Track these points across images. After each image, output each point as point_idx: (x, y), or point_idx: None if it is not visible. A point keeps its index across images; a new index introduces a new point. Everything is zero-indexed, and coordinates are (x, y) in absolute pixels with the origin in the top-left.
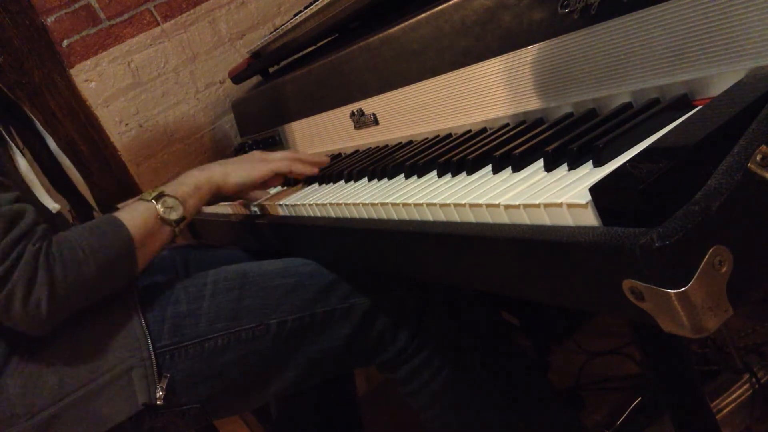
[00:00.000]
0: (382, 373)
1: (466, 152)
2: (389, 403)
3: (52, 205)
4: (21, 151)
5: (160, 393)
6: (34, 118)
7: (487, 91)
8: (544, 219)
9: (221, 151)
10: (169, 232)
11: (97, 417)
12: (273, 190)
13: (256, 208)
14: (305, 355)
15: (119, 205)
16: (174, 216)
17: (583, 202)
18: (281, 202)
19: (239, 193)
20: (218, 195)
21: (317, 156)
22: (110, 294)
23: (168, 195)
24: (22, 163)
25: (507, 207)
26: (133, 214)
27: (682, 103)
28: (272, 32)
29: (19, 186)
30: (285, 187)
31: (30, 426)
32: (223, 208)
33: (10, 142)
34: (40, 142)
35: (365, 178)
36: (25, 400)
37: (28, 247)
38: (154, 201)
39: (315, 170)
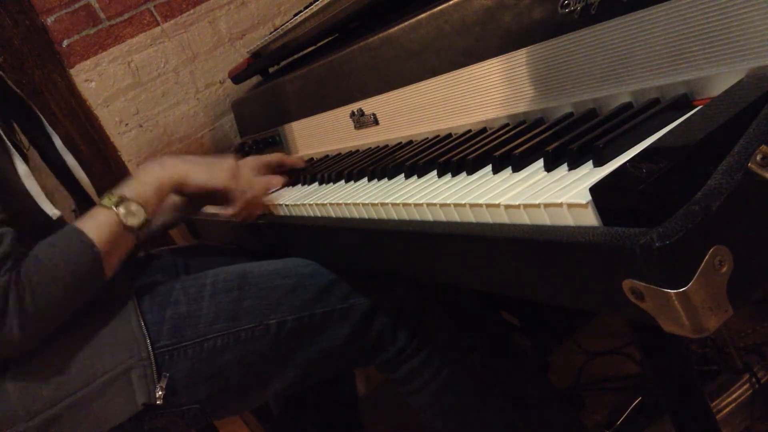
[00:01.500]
0: (381, 372)
1: (466, 152)
2: (389, 403)
3: (52, 211)
4: (25, 152)
5: (160, 393)
6: (41, 116)
7: (487, 91)
8: (544, 219)
9: (221, 151)
10: (133, 238)
11: (97, 418)
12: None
13: None
14: (305, 355)
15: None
16: (136, 221)
17: (583, 202)
18: (281, 202)
19: (197, 197)
20: (178, 193)
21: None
22: (81, 307)
23: (129, 199)
24: (22, 169)
25: (507, 207)
26: (97, 224)
27: (682, 103)
28: (272, 32)
29: (18, 192)
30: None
31: (30, 427)
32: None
33: (11, 147)
34: (47, 140)
35: (365, 178)
36: (25, 401)
37: (1, 278)
38: (114, 207)
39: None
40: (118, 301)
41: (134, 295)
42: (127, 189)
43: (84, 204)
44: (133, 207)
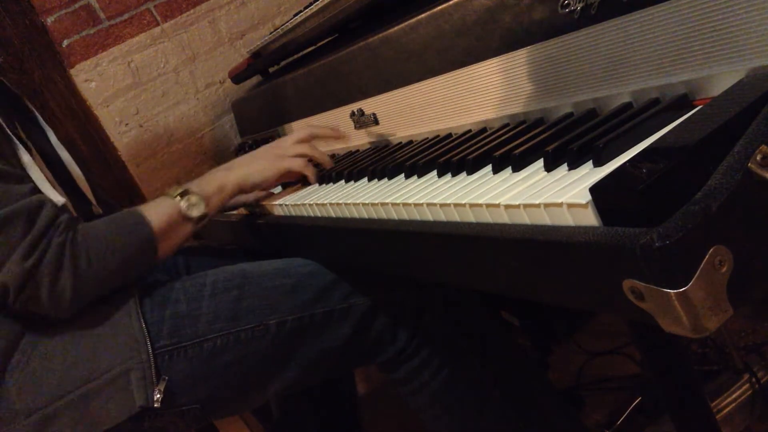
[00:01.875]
0: (381, 372)
1: (466, 152)
2: (389, 403)
3: (57, 198)
4: (25, 146)
5: (158, 396)
6: (35, 111)
7: (488, 91)
8: (545, 219)
9: (221, 151)
10: (190, 228)
11: (95, 417)
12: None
13: (256, 209)
14: (305, 355)
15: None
16: (196, 213)
17: (583, 202)
18: (281, 202)
19: (257, 190)
20: (241, 192)
21: (333, 131)
22: (129, 283)
23: (192, 192)
24: (26, 158)
25: (507, 207)
26: (157, 210)
27: (682, 103)
28: (272, 32)
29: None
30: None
31: (28, 424)
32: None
33: (15, 139)
34: (42, 135)
35: (365, 178)
36: (25, 398)
37: (54, 239)
38: (178, 197)
39: (330, 162)
40: (119, 300)
41: (136, 294)
42: (193, 184)
43: (77, 201)
44: (195, 200)
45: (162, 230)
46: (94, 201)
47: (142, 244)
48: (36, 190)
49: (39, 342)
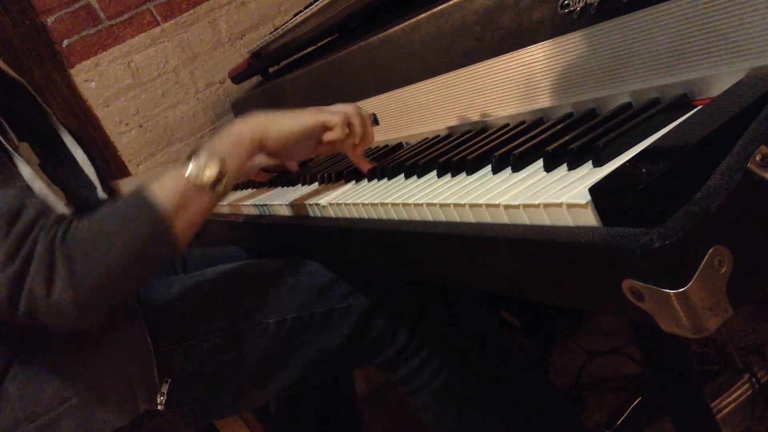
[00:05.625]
0: (381, 372)
1: (466, 152)
2: (389, 403)
3: (63, 210)
4: (17, 149)
5: (162, 398)
6: (48, 111)
7: (487, 91)
8: (544, 219)
9: None
10: (208, 196)
11: (97, 422)
12: (275, 190)
13: (256, 209)
14: (304, 355)
15: None
16: (208, 177)
17: (583, 202)
18: (281, 202)
19: (282, 149)
20: (262, 148)
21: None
22: (154, 275)
23: (202, 154)
24: (26, 172)
25: (507, 207)
26: (163, 183)
27: (682, 103)
28: (272, 32)
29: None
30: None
31: (31, 430)
32: (223, 207)
33: (13, 152)
34: (56, 137)
35: (365, 178)
36: (26, 403)
37: (40, 240)
38: (186, 161)
39: (370, 141)
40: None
41: (135, 295)
42: (203, 145)
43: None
44: (205, 161)
45: (174, 206)
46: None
47: (151, 229)
48: (25, 192)
49: (39, 347)
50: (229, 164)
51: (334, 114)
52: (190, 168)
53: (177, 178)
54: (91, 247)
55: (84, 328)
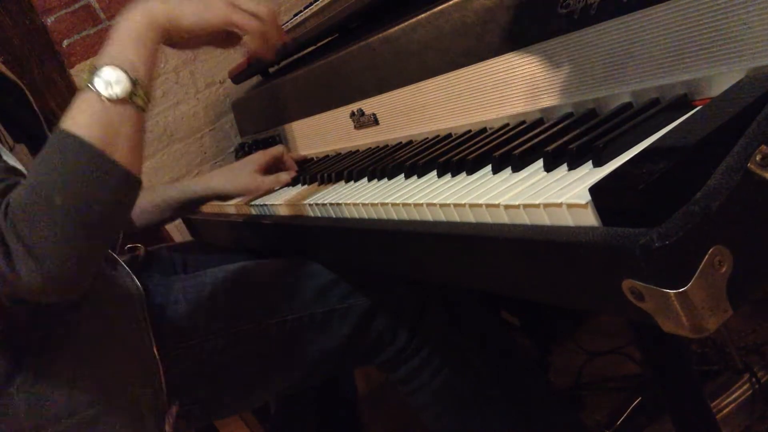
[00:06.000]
0: (381, 372)
1: (466, 152)
2: (389, 403)
3: None
4: (11, 146)
5: (171, 419)
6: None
7: (487, 91)
8: (544, 219)
9: (221, 151)
10: (132, 110)
11: None
12: (277, 191)
13: (256, 209)
14: (304, 355)
15: None
16: (121, 91)
17: (583, 202)
18: (280, 202)
19: (187, 45)
20: (170, 41)
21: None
22: (129, 213)
23: (104, 67)
24: (10, 160)
25: (507, 207)
26: (77, 113)
27: (682, 103)
28: None
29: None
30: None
31: None
32: (223, 207)
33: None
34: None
35: (365, 178)
36: (33, 415)
37: None
38: (89, 85)
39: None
40: (124, 311)
41: (138, 302)
42: (101, 56)
43: None
44: (110, 74)
45: (102, 134)
46: None
47: (85, 167)
48: None
49: (47, 359)
50: (140, 67)
51: (248, 20)
52: (99, 88)
53: (91, 104)
54: (33, 210)
55: (72, 294)
